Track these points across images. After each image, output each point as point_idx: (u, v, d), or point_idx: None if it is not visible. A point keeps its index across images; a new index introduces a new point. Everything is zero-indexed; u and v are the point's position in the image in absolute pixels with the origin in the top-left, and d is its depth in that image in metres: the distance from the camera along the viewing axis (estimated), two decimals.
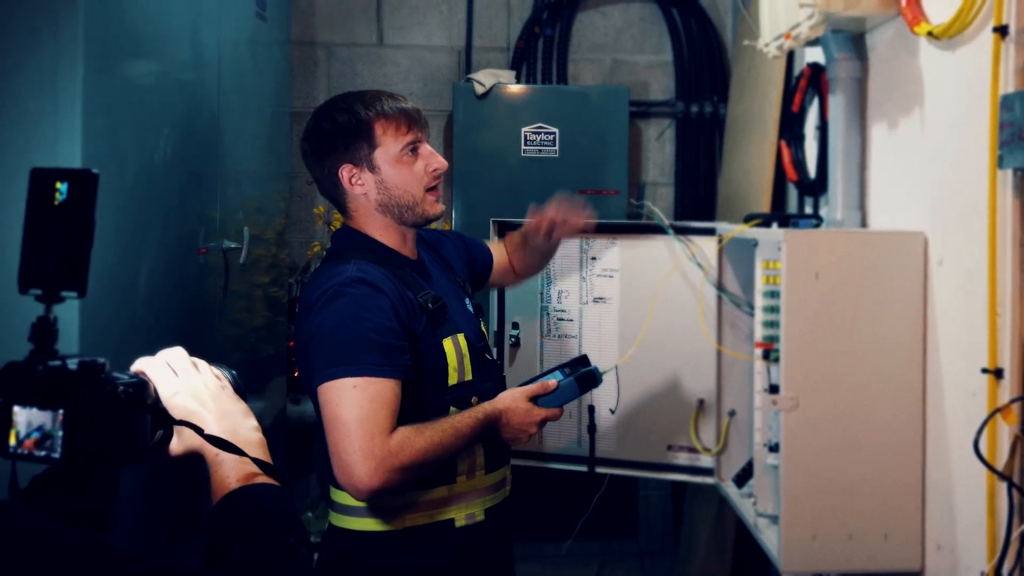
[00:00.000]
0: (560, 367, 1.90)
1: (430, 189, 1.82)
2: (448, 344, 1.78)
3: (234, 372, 1.15)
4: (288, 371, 3.26)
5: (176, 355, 1.10)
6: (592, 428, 2.09)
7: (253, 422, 1.10)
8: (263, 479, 1.03)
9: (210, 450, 1.04)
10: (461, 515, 1.80)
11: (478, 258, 2.16)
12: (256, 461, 1.03)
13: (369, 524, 1.77)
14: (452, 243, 2.09)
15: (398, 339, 1.69)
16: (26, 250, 0.90)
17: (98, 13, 1.84)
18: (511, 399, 1.79)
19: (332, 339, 1.67)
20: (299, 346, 1.76)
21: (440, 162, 1.83)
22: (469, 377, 1.81)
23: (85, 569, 0.78)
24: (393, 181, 1.79)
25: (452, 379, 1.78)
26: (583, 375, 1.86)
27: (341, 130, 1.78)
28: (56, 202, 0.90)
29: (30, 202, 0.91)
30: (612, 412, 2.53)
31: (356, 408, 1.62)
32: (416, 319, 1.74)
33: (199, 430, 1.02)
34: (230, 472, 1.03)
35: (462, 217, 3.49)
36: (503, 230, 2.62)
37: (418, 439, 1.65)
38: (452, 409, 1.77)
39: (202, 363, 1.12)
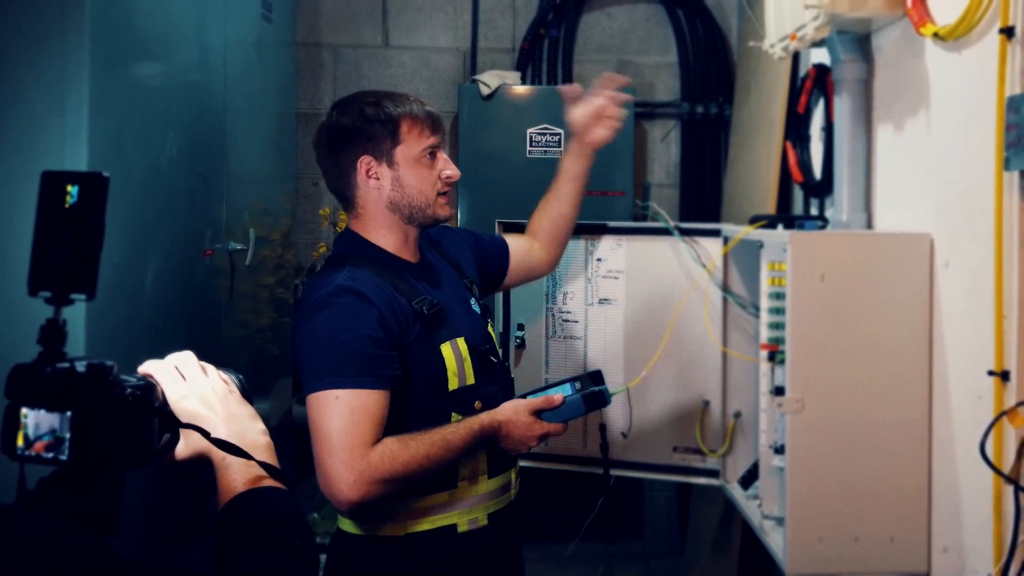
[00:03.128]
0: (572, 379, 1.86)
1: (441, 194, 1.84)
2: (447, 349, 1.77)
3: (241, 376, 1.15)
4: (294, 372, 3.26)
5: (185, 359, 1.10)
6: (604, 447, 2.07)
7: (260, 425, 1.10)
8: (269, 482, 1.03)
9: (217, 453, 1.04)
10: (464, 520, 1.79)
11: (491, 250, 2.13)
12: (262, 464, 1.03)
13: (372, 529, 1.77)
14: (460, 238, 2.08)
15: (384, 349, 1.68)
16: (36, 252, 0.91)
17: (104, 16, 1.84)
18: (512, 411, 1.77)
19: (318, 350, 1.68)
20: (292, 352, 1.77)
21: (455, 171, 1.85)
22: (471, 381, 1.80)
23: (88, 572, 0.78)
24: (409, 180, 1.81)
25: (452, 384, 1.77)
26: (591, 394, 1.81)
27: (368, 121, 1.80)
28: (66, 205, 0.90)
29: (41, 205, 0.91)
30: (624, 436, 2.51)
31: (338, 420, 1.62)
32: (408, 327, 1.74)
33: (206, 433, 1.02)
34: (237, 475, 1.03)
35: (467, 218, 3.49)
36: (508, 231, 2.62)
37: (402, 452, 1.65)
38: (454, 415, 1.77)
39: (210, 367, 1.12)
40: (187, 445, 1.07)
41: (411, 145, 1.80)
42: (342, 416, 1.63)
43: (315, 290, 1.74)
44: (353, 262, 1.77)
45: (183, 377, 1.08)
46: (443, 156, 1.86)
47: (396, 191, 1.81)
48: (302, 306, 1.75)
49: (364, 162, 1.80)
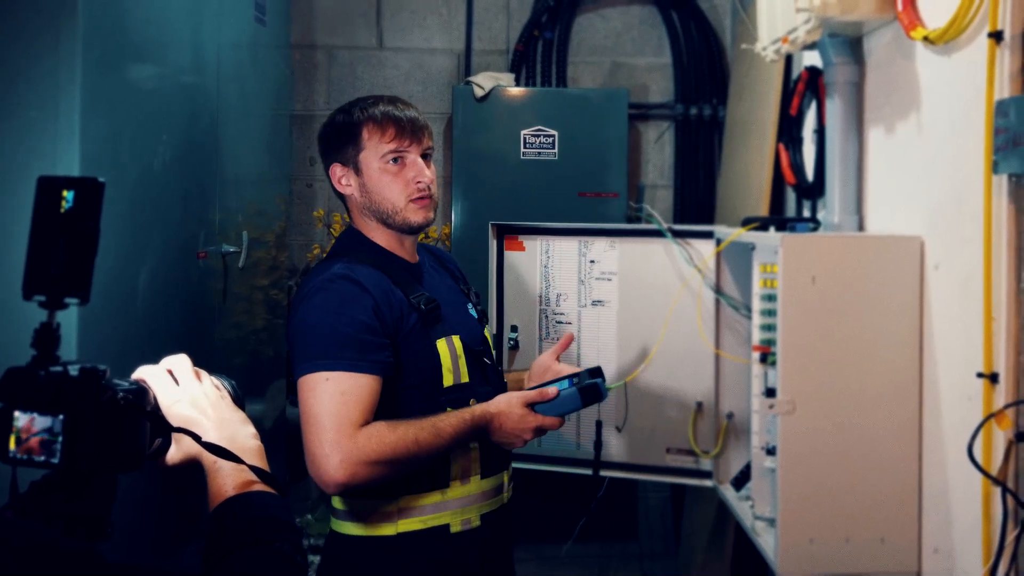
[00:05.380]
0: (572, 376, 1.85)
1: (415, 199, 1.80)
2: (442, 345, 1.78)
3: (234, 382, 1.16)
4: (288, 373, 3.26)
5: (180, 363, 1.10)
6: (599, 444, 2.06)
7: (251, 430, 1.10)
8: (260, 487, 1.04)
9: (208, 458, 1.04)
10: (457, 520, 1.80)
11: None
12: (253, 469, 1.04)
13: (364, 529, 1.78)
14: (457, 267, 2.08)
15: (376, 336, 1.70)
16: (31, 257, 0.91)
17: (97, 19, 1.85)
18: (506, 403, 1.77)
19: (310, 334, 1.69)
20: (287, 343, 1.79)
21: (425, 176, 1.80)
22: (465, 379, 1.81)
23: None
24: (374, 186, 1.81)
25: (447, 380, 1.78)
26: (587, 387, 1.80)
27: (336, 129, 1.84)
28: (62, 210, 0.91)
29: (36, 209, 0.92)
30: (619, 430, 2.53)
31: (327, 401, 1.64)
32: (404, 318, 1.75)
33: (197, 437, 1.02)
34: (227, 480, 1.04)
35: (461, 220, 3.50)
36: (502, 233, 2.63)
37: (389, 435, 1.65)
38: (448, 411, 1.77)
39: (203, 373, 1.12)
40: (179, 449, 1.07)
41: (371, 151, 1.80)
42: (332, 397, 1.64)
43: (311, 279, 1.77)
44: (352, 256, 1.79)
45: (175, 382, 1.09)
46: (414, 160, 1.80)
47: (364, 197, 1.82)
48: (298, 296, 1.78)
49: (336, 169, 1.84)
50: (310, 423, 1.64)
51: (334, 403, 1.63)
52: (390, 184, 1.80)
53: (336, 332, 1.67)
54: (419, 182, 1.80)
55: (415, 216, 1.81)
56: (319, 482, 1.66)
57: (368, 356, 1.68)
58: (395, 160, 1.80)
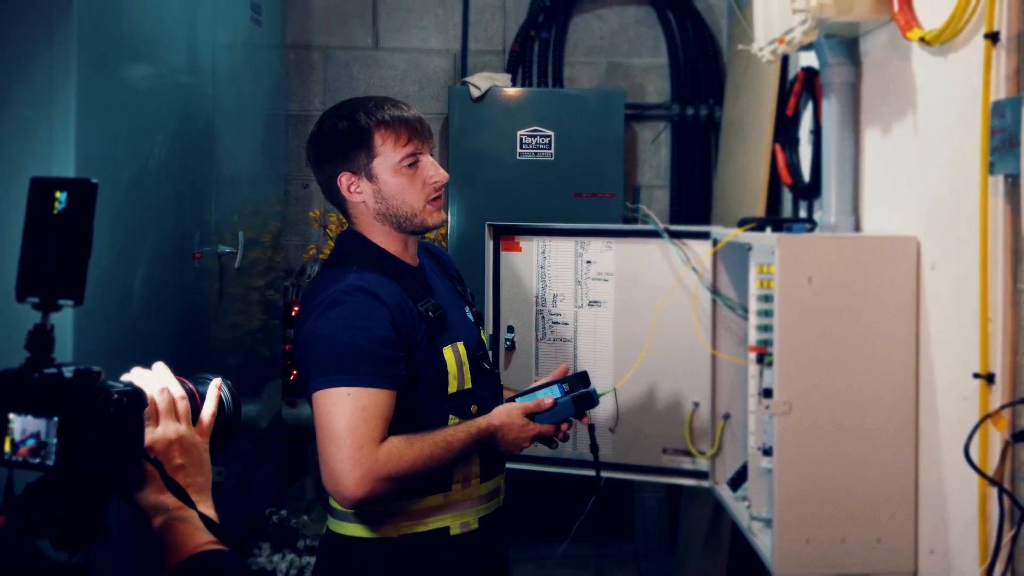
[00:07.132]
0: (560, 381, 1.89)
1: (431, 200, 1.81)
2: (448, 352, 1.78)
3: (229, 383, 1.15)
4: (284, 374, 3.26)
5: (157, 390, 1.06)
6: (595, 448, 2.07)
7: (209, 498, 1.08)
8: (216, 546, 1.02)
9: (161, 515, 1.03)
10: (456, 523, 1.80)
11: None
12: (211, 527, 1.02)
13: (364, 530, 1.78)
14: (452, 265, 2.07)
15: (393, 350, 1.69)
16: (24, 258, 0.91)
17: (92, 19, 1.84)
18: (507, 415, 1.79)
19: (328, 347, 1.68)
20: (297, 349, 1.77)
21: (441, 175, 1.81)
22: (469, 385, 1.81)
23: None
24: (391, 191, 1.78)
25: (452, 387, 1.79)
26: (581, 396, 1.85)
27: (341, 137, 1.78)
28: (55, 211, 0.91)
29: (29, 211, 0.91)
30: (612, 431, 2.54)
31: (347, 417, 1.63)
32: (415, 328, 1.74)
33: (163, 471, 1.01)
34: (186, 539, 1.02)
35: (458, 220, 3.50)
36: (498, 234, 2.63)
37: (408, 451, 1.66)
38: (452, 417, 1.78)
39: (181, 399, 1.08)
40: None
41: (387, 156, 1.77)
42: (352, 413, 1.63)
43: (323, 288, 1.74)
44: (359, 263, 1.77)
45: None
46: (427, 161, 1.80)
47: (380, 203, 1.79)
48: (310, 303, 1.75)
49: (344, 178, 1.79)
50: (329, 438, 1.64)
51: (355, 419, 1.63)
52: (407, 188, 1.78)
53: (355, 347, 1.66)
54: (435, 182, 1.80)
55: (432, 218, 1.81)
56: (336, 496, 1.66)
57: (386, 371, 1.68)
58: (412, 163, 1.78)
